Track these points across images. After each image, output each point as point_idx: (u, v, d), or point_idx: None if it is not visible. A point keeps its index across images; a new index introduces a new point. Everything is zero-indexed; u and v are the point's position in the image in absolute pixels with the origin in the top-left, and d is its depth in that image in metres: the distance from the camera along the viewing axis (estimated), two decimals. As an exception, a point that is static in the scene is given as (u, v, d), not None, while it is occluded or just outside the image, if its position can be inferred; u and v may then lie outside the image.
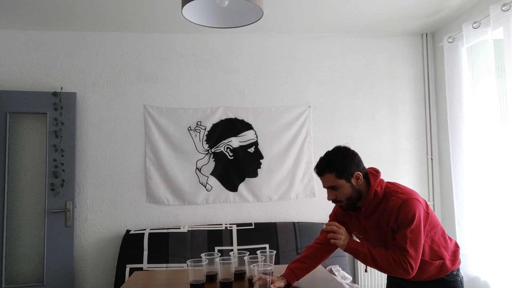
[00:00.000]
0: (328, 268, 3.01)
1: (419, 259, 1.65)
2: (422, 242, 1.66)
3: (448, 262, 1.75)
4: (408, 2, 2.95)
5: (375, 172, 1.80)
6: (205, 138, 3.43)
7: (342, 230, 1.74)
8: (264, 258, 1.91)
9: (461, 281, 1.80)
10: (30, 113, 3.21)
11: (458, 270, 1.81)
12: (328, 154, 1.76)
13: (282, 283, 1.81)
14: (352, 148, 1.81)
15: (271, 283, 1.75)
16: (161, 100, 3.43)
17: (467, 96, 2.99)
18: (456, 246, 1.83)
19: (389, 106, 3.60)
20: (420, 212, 1.67)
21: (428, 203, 3.54)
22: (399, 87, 3.62)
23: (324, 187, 1.77)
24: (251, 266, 1.83)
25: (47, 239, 3.12)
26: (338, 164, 1.71)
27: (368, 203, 1.75)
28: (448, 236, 1.83)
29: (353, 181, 1.72)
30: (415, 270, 1.64)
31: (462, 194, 3.05)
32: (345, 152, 1.75)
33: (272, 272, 1.91)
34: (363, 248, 1.70)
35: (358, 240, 1.86)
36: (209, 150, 3.42)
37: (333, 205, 1.96)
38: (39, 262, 3.13)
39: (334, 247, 1.91)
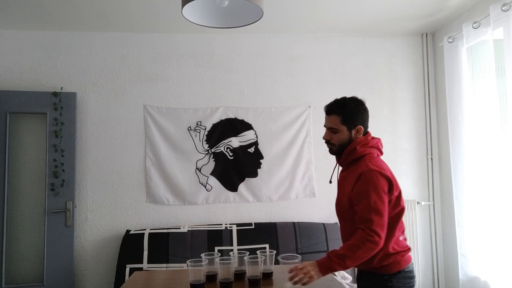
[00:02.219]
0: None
1: (386, 227, 1.66)
2: (386, 211, 1.67)
3: (385, 250, 1.70)
4: (408, 2, 2.95)
5: (371, 140, 1.83)
6: (205, 138, 3.43)
7: (306, 266, 1.68)
8: (264, 258, 1.91)
9: None
10: (30, 113, 3.21)
11: (393, 276, 1.72)
12: (343, 98, 1.85)
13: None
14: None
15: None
16: (161, 100, 3.43)
17: (467, 96, 2.99)
18: (404, 251, 1.75)
19: (389, 106, 3.60)
20: (383, 187, 1.68)
21: (428, 203, 3.57)
22: (399, 87, 3.62)
23: (325, 126, 1.86)
24: (279, 258, 1.86)
25: (47, 239, 3.12)
26: (348, 111, 1.81)
27: (345, 154, 1.81)
28: (404, 243, 1.78)
29: (353, 132, 1.82)
30: (383, 238, 1.65)
31: (462, 194, 3.05)
32: (358, 104, 1.85)
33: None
34: (331, 261, 1.66)
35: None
36: (209, 150, 3.42)
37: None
38: (39, 262, 3.13)
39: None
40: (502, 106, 2.71)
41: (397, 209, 1.75)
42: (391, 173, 1.77)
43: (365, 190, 1.68)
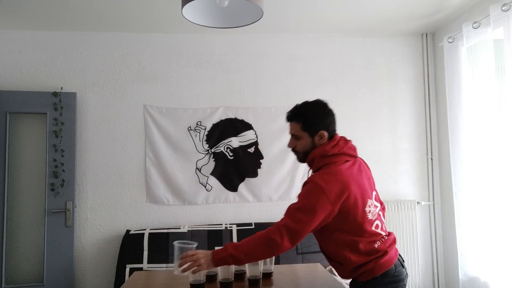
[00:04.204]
0: (328, 268, 3.00)
1: (299, 236, 1.56)
2: (305, 224, 1.55)
3: (353, 264, 1.65)
4: (408, 2, 2.95)
5: (332, 148, 1.67)
6: (205, 138, 3.43)
7: (197, 254, 1.65)
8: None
9: None
10: (30, 113, 3.21)
11: (368, 284, 1.65)
12: (304, 103, 1.76)
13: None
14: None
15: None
16: (161, 100, 3.43)
17: (467, 96, 2.99)
18: (378, 257, 1.64)
19: (389, 106, 3.60)
20: (317, 200, 1.55)
21: (428, 203, 3.57)
22: (399, 87, 3.63)
23: (289, 133, 1.78)
24: (175, 243, 1.76)
25: (47, 239, 3.12)
26: (307, 117, 1.71)
27: (308, 164, 1.76)
28: (378, 248, 1.66)
29: (316, 138, 1.71)
30: (286, 244, 1.55)
31: (462, 194, 3.05)
32: (320, 108, 1.74)
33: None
34: (226, 252, 1.60)
35: None
36: (209, 150, 3.42)
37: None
38: (39, 262, 3.13)
39: None
40: (502, 106, 2.71)
41: (354, 223, 1.62)
42: (342, 187, 1.58)
43: (299, 196, 1.63)
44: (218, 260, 1.63)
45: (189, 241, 1.80)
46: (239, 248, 1.60)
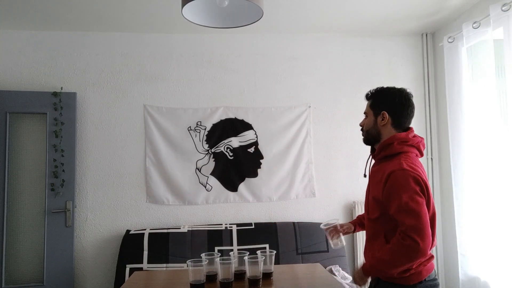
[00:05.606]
0: (328, 268, 3.01)
1: (426, 229, 1.51)
2: (422, 211, 1.52)
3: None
4: (408, 2, 2.95)
5: (412, 138, 1.69)
6: (205, 138, 3.43)
7: (355, 277, 1.75)
8: (264, 258, 1.91)
9: None
10: (30, 113, 3.21)
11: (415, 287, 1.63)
12: (387, 86, 1.82)
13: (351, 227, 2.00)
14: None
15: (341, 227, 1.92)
16: (161, 100, 3.44)
17: (467, 96, 2.99)
18: (427, 259, 1.64)
19: (389, 106, 3.60)
20: (414, 188, 1.55)
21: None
22: (399, 87, 3.61)
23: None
24: (324, 225, 1.95)
25: (47, 239, 3.12)
26: (378, 96, 1.78)
27: (379, 148, 1.72)
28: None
29: (379, 118, 1.74)
30: (426, 241, 1.50)
31: (462, 194, 3.05)
32: (391, 92, 1.77)
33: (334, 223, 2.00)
34: (375, 269, 1.64)
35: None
36: (209, 150, 3.42)
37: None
38: (39, 262, 3.13)
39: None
40: (502, 106, 2.71)
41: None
42: (425, 177, 1.63)
43: (395, 191, 1.56)
44: (368, 274, 1.68)
45: (332, 220, 1.96)
46: (382, 261, 1.59)
